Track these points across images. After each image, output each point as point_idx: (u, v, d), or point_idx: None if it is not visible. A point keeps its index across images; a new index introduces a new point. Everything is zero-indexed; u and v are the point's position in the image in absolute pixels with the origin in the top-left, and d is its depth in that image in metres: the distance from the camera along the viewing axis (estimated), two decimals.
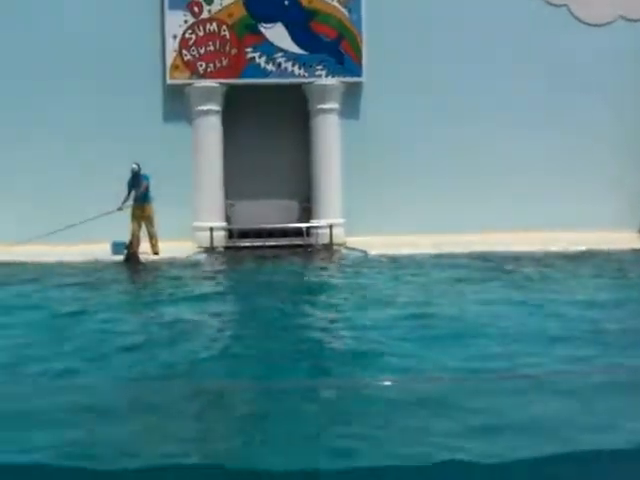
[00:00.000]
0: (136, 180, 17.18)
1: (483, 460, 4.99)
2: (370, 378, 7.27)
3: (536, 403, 6.15)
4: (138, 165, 17.13)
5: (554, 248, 17.30)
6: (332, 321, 10.67)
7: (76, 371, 7.80)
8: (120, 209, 17.07)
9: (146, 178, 17.18)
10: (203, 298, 12.36)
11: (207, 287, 13.89)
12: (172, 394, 6.68)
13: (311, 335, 9.61)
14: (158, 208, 17.39)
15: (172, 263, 16.35)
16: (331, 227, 19.01)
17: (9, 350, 8.63)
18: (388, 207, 19.50)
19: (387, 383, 6.91)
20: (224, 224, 19.24)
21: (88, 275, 14.73)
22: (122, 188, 17.20)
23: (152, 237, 17.25)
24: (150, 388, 7.02)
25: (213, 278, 15.18)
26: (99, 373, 7.75)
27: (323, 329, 10.05)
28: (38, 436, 5.43)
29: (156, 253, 17.20)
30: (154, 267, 16.18)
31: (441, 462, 4.94)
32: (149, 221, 17.23)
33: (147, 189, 17.10)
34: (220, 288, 14.15)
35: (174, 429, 5.76)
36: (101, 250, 16.94)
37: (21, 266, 15.73)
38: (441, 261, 16.06)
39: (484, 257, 16.24)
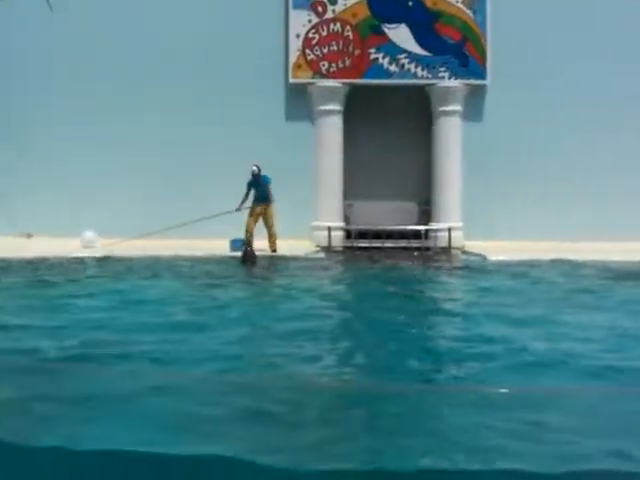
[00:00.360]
0: (256, 182, 17.31)
1: None
2: None
3: None
4: (258, 167, 17.25)
5: None
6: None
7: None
8: (238, 210, 17.23)
9: (266, 180, 17.29)
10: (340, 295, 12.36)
11: (338, 285, 13.91)
12: None
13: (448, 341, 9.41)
14: (278, 206, 17.51)
15: (293, 260, 16.41)
16: (450, 230, 18.79)
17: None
18: (507, 212, 19.16)
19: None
20: (342, 224, 19.22)
21: (229, 271, 14.88)
22: (243, 187, 17.35)
23: (271, 235, 17.35)
24: None
25: (338, 278, 15.16)
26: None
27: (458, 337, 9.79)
28: None
29: (274, 250, 17.29)
30: (272, 264, 16.26)
31: None
32: (269, 220, 17.34)
33: (269, 191, 17.25)
34: (348, 287, 14.06)
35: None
36: (218, 247, 17.12)
37: (155, 260, 15.95)
38: (562, 269, 15.63)
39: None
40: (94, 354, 7.68)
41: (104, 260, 15.95)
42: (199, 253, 16.60)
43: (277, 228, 17.41)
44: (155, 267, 15.00)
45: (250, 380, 6.75)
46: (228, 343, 8.36)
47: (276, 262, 16.46)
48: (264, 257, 16.69)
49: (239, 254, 16.69)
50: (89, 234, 17.74)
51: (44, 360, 7.37)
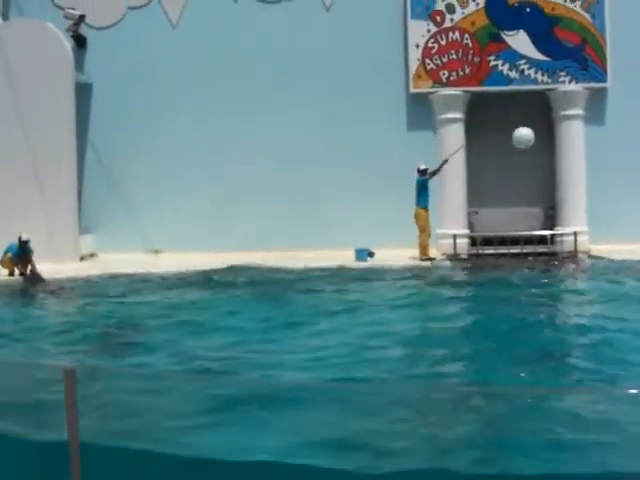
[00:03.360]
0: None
1: None
2: None
3: None
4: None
5: None
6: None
7: None
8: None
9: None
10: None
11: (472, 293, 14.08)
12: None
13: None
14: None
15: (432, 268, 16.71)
16: (575, 235, 18.74)
17: None
18: (632, 214, 19.04)
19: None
20: (467, 231, 19.33)
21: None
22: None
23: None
24: None
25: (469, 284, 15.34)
26: None
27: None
28: None
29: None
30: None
31: None
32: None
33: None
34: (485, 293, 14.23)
35: None
36: (343, 256, 17.43)
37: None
38: None
39: None
40: None
41: None
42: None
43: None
44: None
45: None
46: None
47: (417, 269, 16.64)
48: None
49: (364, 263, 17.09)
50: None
51: None
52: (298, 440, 5.80)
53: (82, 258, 18.75)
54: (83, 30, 19.75)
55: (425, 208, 17.72)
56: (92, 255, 19.43)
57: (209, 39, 19.69)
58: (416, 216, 17.66)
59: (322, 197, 19.31)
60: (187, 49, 19.76)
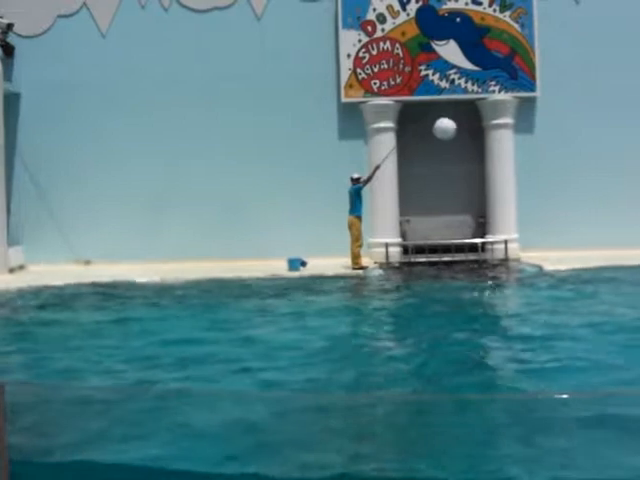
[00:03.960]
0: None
1: None
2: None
3: None
4: None
5: None
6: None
7: None
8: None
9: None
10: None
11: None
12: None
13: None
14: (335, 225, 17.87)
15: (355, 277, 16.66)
16: (506, 242, 18.94)
17: None
18: (561, 221, 19.28)
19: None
20: (399, 240, 19.40)
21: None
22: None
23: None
24: None
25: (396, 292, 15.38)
26: None
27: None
28: None
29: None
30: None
31: None
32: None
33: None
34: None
35: None
36: (276, 266, 17.38)
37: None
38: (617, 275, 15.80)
39: None
40: None
41: None
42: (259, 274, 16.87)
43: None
44: None
45: None
46: None
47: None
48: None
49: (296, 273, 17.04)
50: None
51: None
52: None
53: (11, 270, 18.45)
54: (11, 39, 19.46)
55: (358, 217, 17.72)
56: (21, 267, 19.11)
57: (139, 48, 19.56)
58: (349, 225, 17.67)
59: (254, 207, 19.24)
60: (117, 57, 19.59)
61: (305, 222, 18.99)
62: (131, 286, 15.89)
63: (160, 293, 15.02)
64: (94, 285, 15.92)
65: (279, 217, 19.19)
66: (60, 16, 19.75)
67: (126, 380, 8.20)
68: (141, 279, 16.47)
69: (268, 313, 12.55)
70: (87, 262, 19.43)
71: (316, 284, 15.75)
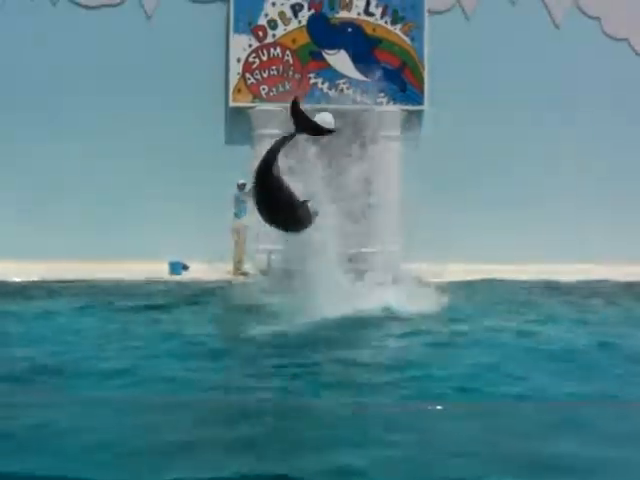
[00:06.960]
0: None
1: None
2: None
3: None
4: None
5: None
6: None
7: None
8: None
9: None
10: None
11: None
12: None
13: None
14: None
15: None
16: (387, 254, 19.00)
17: None
18: (443, 235, 19.43)
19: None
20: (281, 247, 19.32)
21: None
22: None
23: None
24: None
25: None
26: None
27: None
28: None
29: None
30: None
31: None
32: None
33: None
34: None
35: None
36: (159, 269, 17.12)
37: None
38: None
39: None
40: None
41: None
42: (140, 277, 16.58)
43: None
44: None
45: None
46: None
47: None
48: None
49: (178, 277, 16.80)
50: None
51: None
52: None
53: None
54: None
55: (243, 222, 17.60)
56: None
57: (24, 42, 19.11)
58: (233, 230, 17.51)
59: (137, 209, 18.95)
60: (2, 51, 19.08)
61: (188, 226, 18.73)
62: None
63: None
64: None
65: (162, 220, 18.87)
66: None
67: None
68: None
69: None
70: None
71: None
